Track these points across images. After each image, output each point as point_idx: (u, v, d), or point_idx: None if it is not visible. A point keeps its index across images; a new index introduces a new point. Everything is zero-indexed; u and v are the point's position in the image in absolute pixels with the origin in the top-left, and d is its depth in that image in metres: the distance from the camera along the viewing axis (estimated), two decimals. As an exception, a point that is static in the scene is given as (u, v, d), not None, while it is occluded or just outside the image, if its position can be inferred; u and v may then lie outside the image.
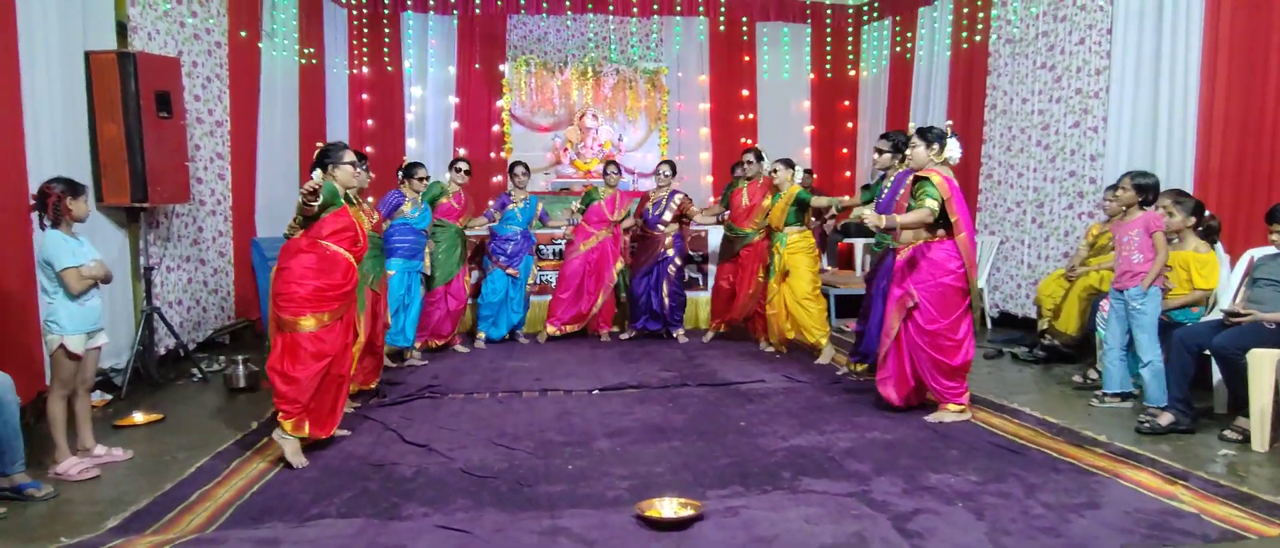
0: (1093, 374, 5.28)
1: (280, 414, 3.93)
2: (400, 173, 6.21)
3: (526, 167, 7.02)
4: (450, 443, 4.20)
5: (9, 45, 4.39)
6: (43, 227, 3.84)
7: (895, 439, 4.20)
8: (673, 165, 7.02)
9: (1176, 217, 4.74)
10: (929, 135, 4.45)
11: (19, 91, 4.45)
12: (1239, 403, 4.20)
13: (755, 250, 6.43)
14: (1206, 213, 4.91)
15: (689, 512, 3.19)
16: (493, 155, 9.41)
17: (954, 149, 4.42)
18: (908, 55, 9.18)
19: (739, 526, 3.12)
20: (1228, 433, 4.13)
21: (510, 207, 6.89)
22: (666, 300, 6.91)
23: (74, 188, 3.85)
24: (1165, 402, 4.37)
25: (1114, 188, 5.21)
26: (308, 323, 3.93)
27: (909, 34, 9.15)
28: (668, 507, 3.23)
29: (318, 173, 4.09)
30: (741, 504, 3.34)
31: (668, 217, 6.85)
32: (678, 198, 6.88)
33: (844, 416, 4.66)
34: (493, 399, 5.15)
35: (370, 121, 9.38)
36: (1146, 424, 4.27)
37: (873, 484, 3.55)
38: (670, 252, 6.88)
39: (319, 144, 4.39)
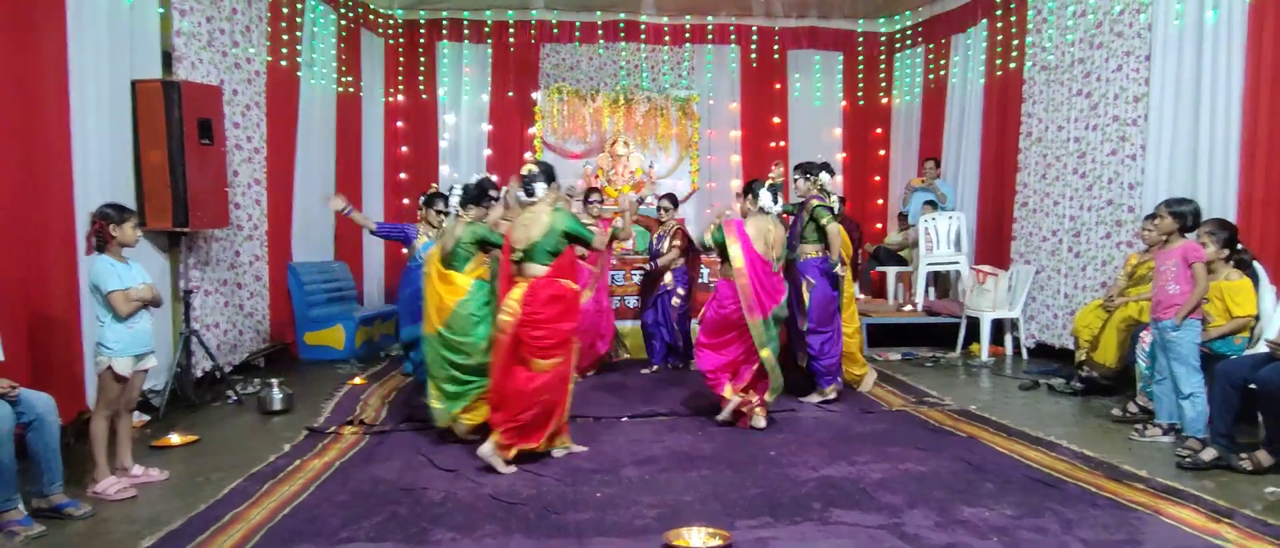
0: (1132, 407, 5.16)
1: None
2: (421, 201, 6.14)
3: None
4: (479, 468, 4.21)
5: (60, 75, 4.53)
6: (100, 251, 3.92)
7: (928, 471, 4.13)
8: (674, 199, 7.16)
9: (1211, 247, 4.65)
10: (750, 187, 5.18)
11: (68, 119, 4.58)
12: (1282, 439, 4.08)
13: None
14: (1239, 246, 4.80)
15: (717, 543, 3.17)
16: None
17: (765, 199, 5.05)
18: (941, 83, 9.13)
19: (768, 557, 3.09)
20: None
21: None
22: (668, 335, 6.92)
23: (122, 214, 3.94)
24: (1202, 433, 4.25)
25: (1152, 217, 5.12)
26: (555, 361, 4.23)
27: (942, 61, 9.11)
28: (696, 537, 3.21)
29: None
30: (771, 536, 3.30)
31: (664, 250, 6.90)
32: (672, 237, 6.91)
33: (876, 446, 4.60)
34: (522, 425, 5.16)
35: (405, 148, 9.52)
36: (1188, 459, 4.16)
37: (905, 517, 3.49)
38: (669, 284, 6.89)
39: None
